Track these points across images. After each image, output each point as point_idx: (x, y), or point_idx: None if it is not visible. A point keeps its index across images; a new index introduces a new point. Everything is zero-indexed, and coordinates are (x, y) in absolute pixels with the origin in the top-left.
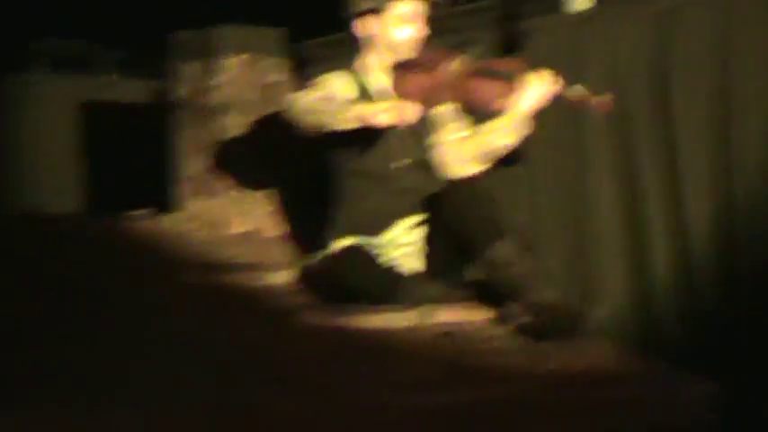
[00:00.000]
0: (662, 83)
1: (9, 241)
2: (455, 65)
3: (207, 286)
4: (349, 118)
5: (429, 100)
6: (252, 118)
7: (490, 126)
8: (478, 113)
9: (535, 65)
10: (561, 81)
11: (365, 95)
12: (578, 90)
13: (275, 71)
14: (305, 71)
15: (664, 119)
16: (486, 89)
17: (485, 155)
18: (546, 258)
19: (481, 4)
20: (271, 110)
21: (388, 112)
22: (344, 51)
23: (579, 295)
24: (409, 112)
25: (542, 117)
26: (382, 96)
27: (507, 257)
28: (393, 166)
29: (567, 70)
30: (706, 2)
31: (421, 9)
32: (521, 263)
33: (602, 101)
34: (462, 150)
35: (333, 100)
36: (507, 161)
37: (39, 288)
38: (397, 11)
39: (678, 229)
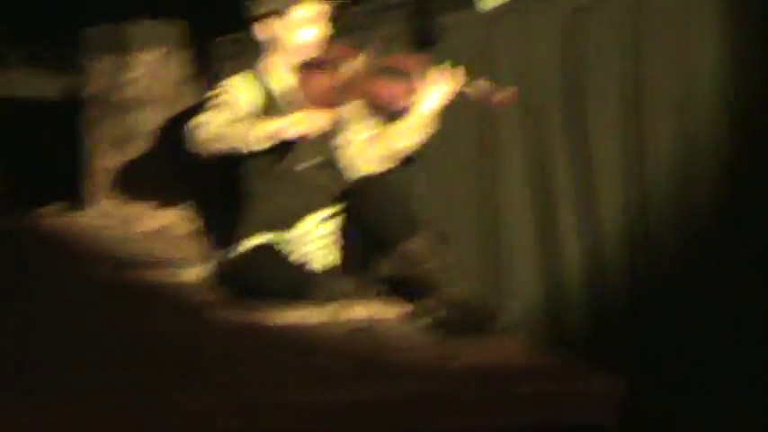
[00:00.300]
0: (574, 80)
1: None
2: (358, 64)
3: (119, 282)
4: (261, 137)
5: (334, 100)
6: (164, 114)
7: (394, 126)
8: (382, 112)
9: (447, 62)
10: (463, 77)
11: (270, 97)
12: (481, 86)
13: (188, 66)
14: (216, 67)
15: (575, 115)
16: (388, 88)
17: (390, 155)
18: (458, 254)
19: (394, 1)
20: (183, 105)
21: (299, 124)
22: (253, 48)
23: (491, 291)
24: (319, 120)
25: (453, 112)
26: (287, 98)
27: (420, 253)
28: (300, 167)
29: (479, 67)
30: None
31: (323, 10)
32: (434, 258)
33: (505, 95)
34: (368, 151)
35: (238, 122)
36: (410, 159)
37: None
38: (299, 13)
39: (589, 225)
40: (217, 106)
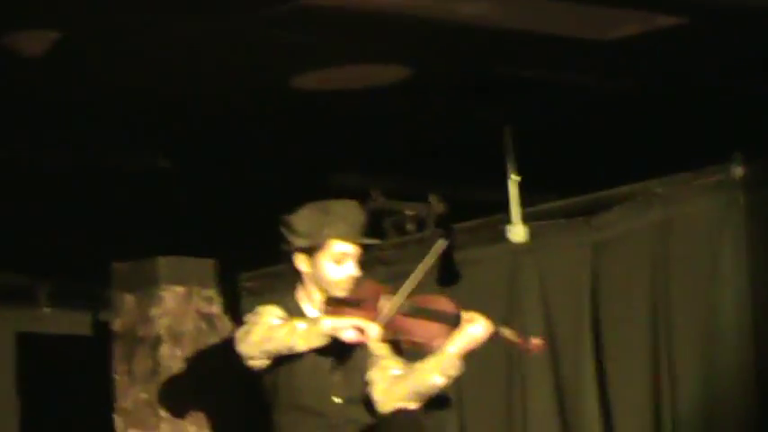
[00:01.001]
0: (600, 311)
1: None
2: (389, 304)
3: None
4: (319, 333)
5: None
6: (188, 349)
7: (422, 366)
8: (418, 351)
9: (472, 295)
10: (494, 325)
11: None
12: (510, 332)
13: (212, 302)
14: (240, 303)
15: (602, 346)
16: (423, 330)
17: (416, 393)
18: None
19: (419, 236)
20: (206, 342)
21: (353, 329)
22: (279, 284)
23: None
24: (372, 329)
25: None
26: None
27: None
28: (336, 400)
29: (505, 300)
30: (640, 235)
31: (354, 250)
32: None
33: (535, 343)
34: (397, 387)
35: (291, 322)
36: (437, 399)
37: None
38: (330, 250)
39: None
40: (258, 319)
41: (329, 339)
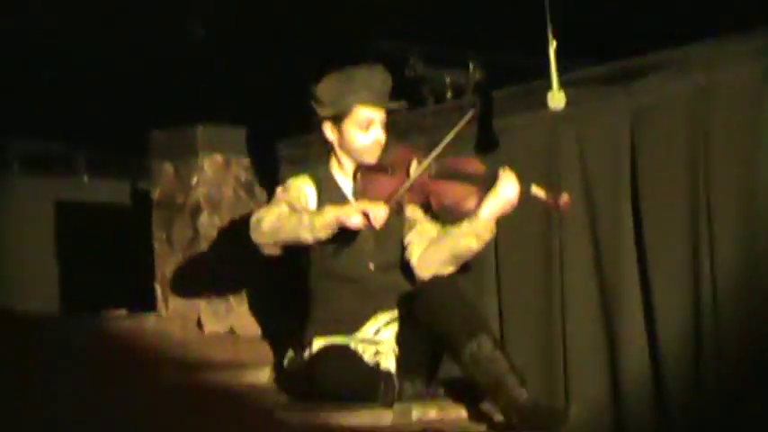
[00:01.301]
0: (634, 181)
1: None
2: (421, 167)
3: (186, 385)
4: (322, 224)
5: (396, 202)
6: (227, 217)
7: (457, 230)
8: (449, 214)
9: (510, 162)
10: (526, 185)
11: (329, 199)
12: (540, 190)
13: (250, 171)
14: (277, 171)
15: (636, 217)
16: (452, 192)
17: (452, 257)
18: (523, 355)
19: (458, 103)
20: (245, 210)
21: (359, 214)
22: (315, 151)
23: (556, 392)
24: (379, 213)
25: (519, 210)
26: (346, 200)
27: (484, 354)
28: (372, 266)
29: (542, 168)
30: (680, 100)
31: (379, 115)
32: (498, 359)
33: (564, 200)
34: (431, 253)
35: (299, 212)
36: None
37: (16, 388)
38: (355, 117)
39: (654, 325)
40: (278, 202)
41: (336, 229)
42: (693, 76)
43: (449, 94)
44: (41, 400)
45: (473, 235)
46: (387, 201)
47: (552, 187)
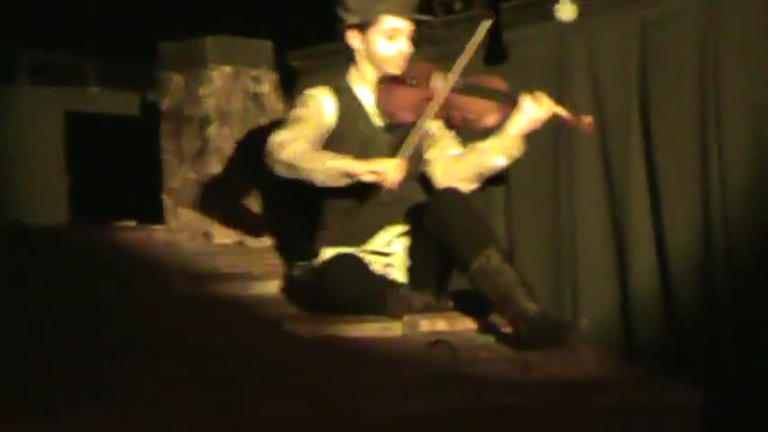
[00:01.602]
0: (644, 93)
1: None
2: (442, 83)
3: (196, 295)
4: (335, 174)
5: (417, 115)
6: (237, 129)
7: (483, 146)
8: (467, 129)
9: (520, 74)
10: (553, 103)
11: (348, 110)
12: (562, 110)
13: (260, 82)
14: (293, 81)
15: (645, 128)
16: (476, 106)
17: (476, 174)
18: (533, 267)
19: (467, 14)
20: (254, 121)
21: (373, 173)
22: (331, 62)
23: (566, 303)
24: (394, 174)
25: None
26: (365, 112)
27: (493, 267)
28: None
29: (552, 79)
30: (690, 12)
31: (406, 26)
32: (506, 272)
33: (587, 120)
34: (454, 168)
35: (317, 148)
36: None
37: (27, 298)
38: (382, 26)
39: (663, 234)
40: (298, 122)
41: (348, 180)
42: None
43: (457, 5)
44: (48, 309)
45: (501, 151)
46: (408, 113)
47: (563, 99)
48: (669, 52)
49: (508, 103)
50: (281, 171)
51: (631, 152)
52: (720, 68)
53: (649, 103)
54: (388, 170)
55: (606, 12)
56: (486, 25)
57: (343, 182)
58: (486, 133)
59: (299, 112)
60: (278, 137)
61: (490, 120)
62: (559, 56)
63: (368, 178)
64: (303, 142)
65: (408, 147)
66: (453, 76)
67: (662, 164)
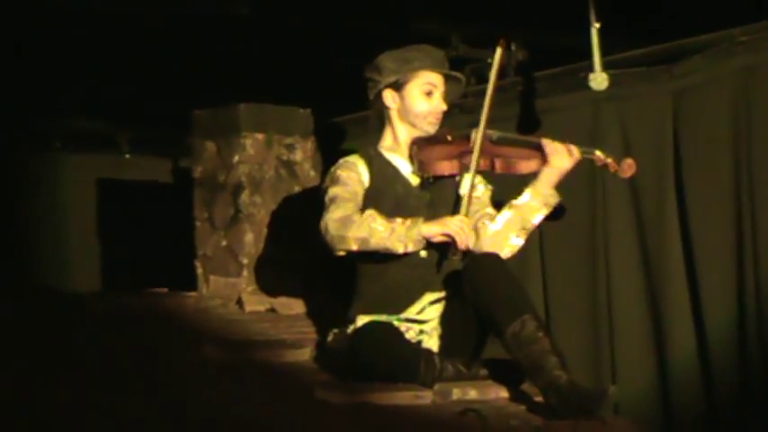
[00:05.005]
0: (677, 162)
1: (30, 317)
2: (479, 128)
3: (228, 362)
4: (412, 241)
5: (456, 167)
6: (269, 196)
7: (523, 204)
8: (511, 175)
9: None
10: (580, 150)
11: (381, 176)
12: (602, 153)
13: (294, 150)
14: (328, 149)
15: (680, 197)
16: (517, 153)
17: (522, 229)
18: (566, 336)
19: (500, 83)
20: (287, 189)
21: (446, 235)
22: (358, 130)
23: (599, 374)
24: (466, 236)
25: (566, 197)
26: (399, 176)
27: (528, 334)
28: (423, 254)
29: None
30: (721, 81)
31: (442, 83)
32: (540, 340)
33: (628, 163)
34: (502, 235)
35: (387, 224)
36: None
37: (60, 363)
38: (419, 82)
39: (699, 308)
40: (344, 196)
41: (424, 243)
42: (735, 57)
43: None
44: (81, 375)
45: (540, 201)
46: (445, 166)
47: (595, 168)
48: (701, 121)
49: (541, 149)
50: (351, 247)
51: (666, 221)
52: (752, 138)
53: (683, 171)
54: (460, 229)
55: (638, 81)
56: (499, 51)
57: (421, 246)
58: (522, 182)
59: (340, 187)
60: (333, 215)
61: (532, 164)
62: (592, 124)
63: (440, 239)
64: (360, 216)
65: (467, 203)
66: (486, 111)
67: (696, 232)
